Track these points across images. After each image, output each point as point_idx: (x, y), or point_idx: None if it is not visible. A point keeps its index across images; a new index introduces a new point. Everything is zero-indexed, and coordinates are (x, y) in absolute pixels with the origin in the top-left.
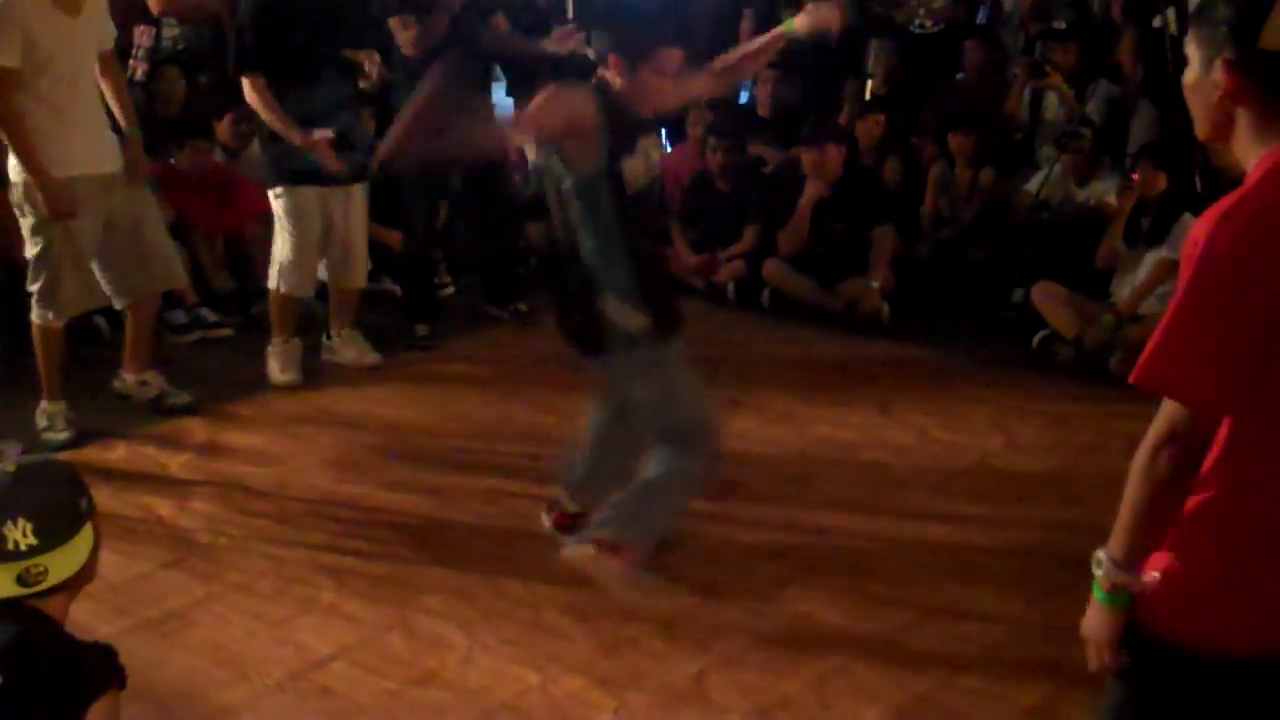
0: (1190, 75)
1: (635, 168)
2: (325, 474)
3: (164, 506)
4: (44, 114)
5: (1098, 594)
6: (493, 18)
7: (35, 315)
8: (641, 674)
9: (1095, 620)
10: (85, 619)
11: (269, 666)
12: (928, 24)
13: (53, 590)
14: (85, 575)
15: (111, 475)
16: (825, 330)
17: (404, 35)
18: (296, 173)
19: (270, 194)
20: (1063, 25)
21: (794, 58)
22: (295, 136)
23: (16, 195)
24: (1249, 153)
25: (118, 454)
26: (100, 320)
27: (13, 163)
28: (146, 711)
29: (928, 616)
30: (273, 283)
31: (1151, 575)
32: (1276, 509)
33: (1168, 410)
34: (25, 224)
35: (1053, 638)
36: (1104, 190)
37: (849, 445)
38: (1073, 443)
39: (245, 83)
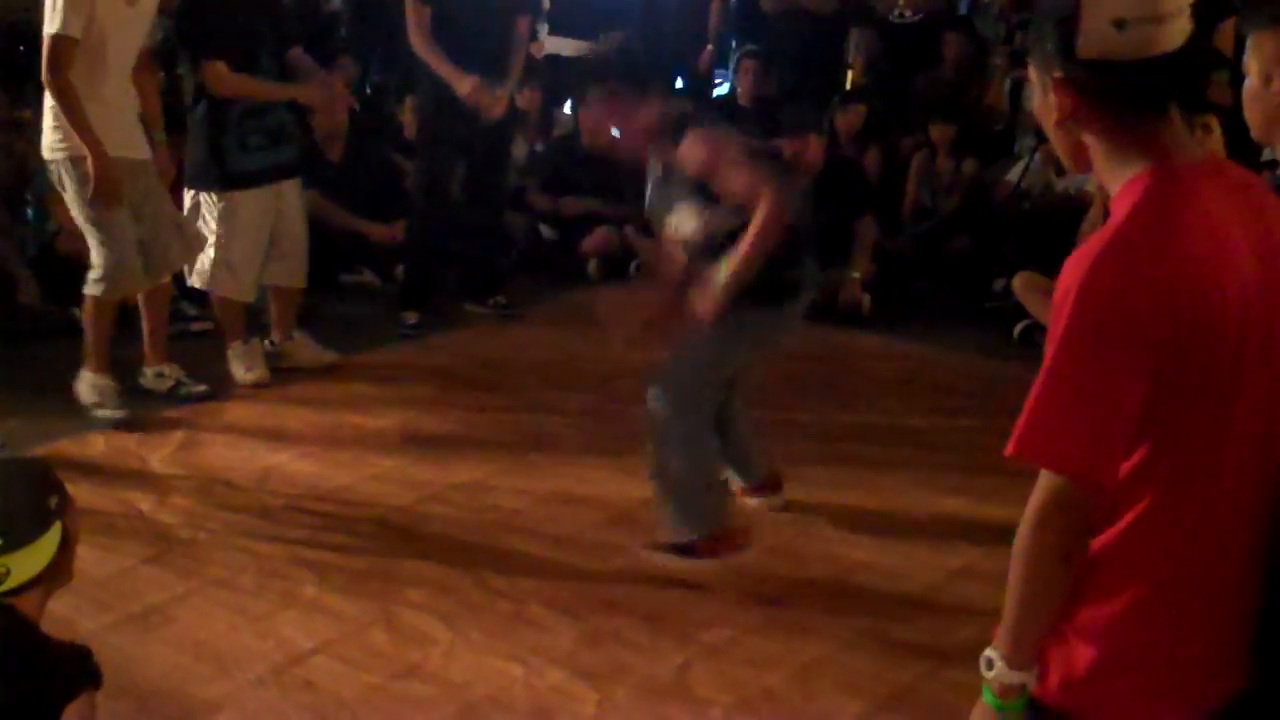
0: (1037, 104)
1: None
2: (306, 468)
3: (144, 501)
4: (91, 94)
5: (987, 697)
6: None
7: (90, 288)
8: (625, 667)
9: None
10: (66, 614)
11: (250, 661)
12: (908, 14)
13: (21, 589)
14: (57, 574)
15: (91, 470)
16: (807, 321)
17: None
18: (244, 175)
19: (203, 196)
20: None
21: (775, 47)
22: (292, 92)
23: (57, 171)
24: (1110, 179)
25: (97, 449)
26: (77, 311)
27: (52, 139)
28: (128, 707)
29: (912, 607)
30: (213, 285)
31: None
32: (1157, 565)
33: (1048, 481)
34: (70, 200)
35: None
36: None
37: (830, 437)
38: None
39: (215, 71)
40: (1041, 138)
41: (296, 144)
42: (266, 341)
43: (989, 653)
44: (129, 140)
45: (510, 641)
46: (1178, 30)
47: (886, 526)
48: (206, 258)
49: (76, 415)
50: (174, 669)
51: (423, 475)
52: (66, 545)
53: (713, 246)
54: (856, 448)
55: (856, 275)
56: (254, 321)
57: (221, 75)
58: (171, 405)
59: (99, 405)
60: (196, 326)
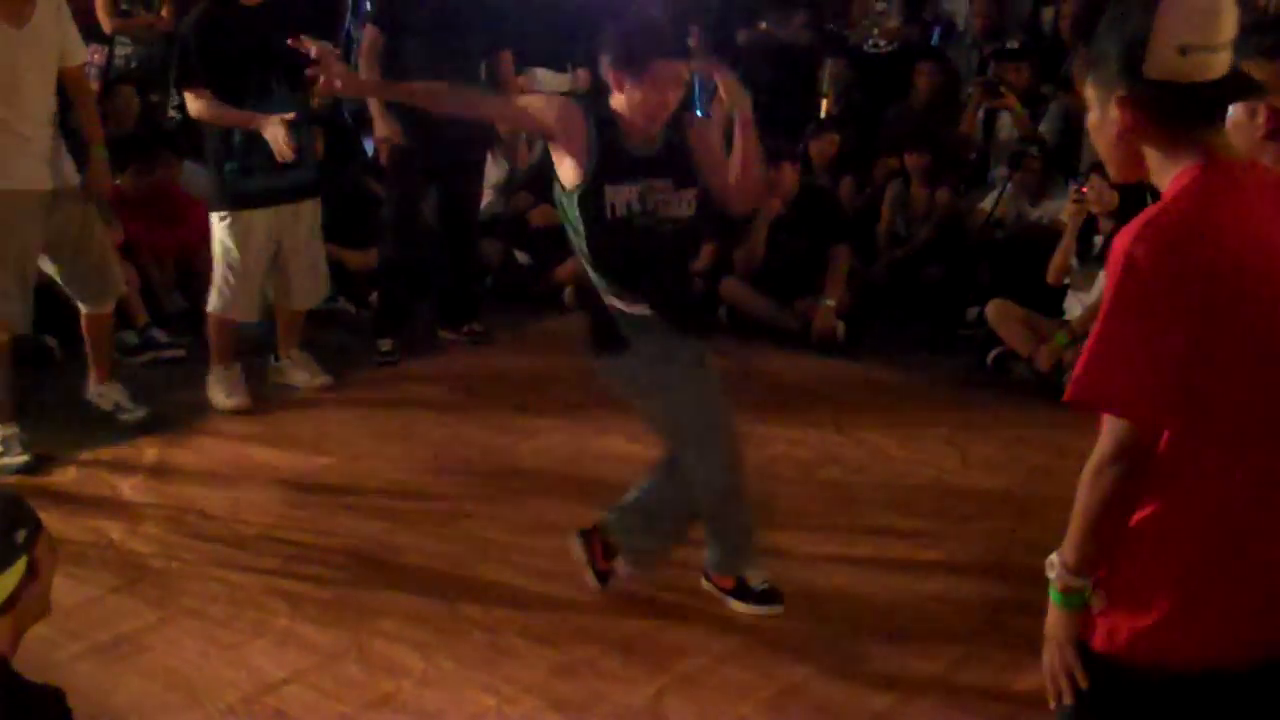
0: (1092, 119)
1: (625, 198)
2: (278, 496)
3: (115, 530)
4: (2, 127)
5: (1053, 595)
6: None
7: None
8: (599, 695)
9: (1053, 621)
10: (36, 645)
11: (222, 690)
12: (881, 44)
13: None
14: (25, 607)
15: (62, 498)
16: (782, 348)
17: None
18: (245, 195)
19: (213, 216)
20: (1015, 45)
21: (748, 77)
22: (260, 125)
23: None
24: (1163, 177)
25: (68, 476)
26: (52, 340)
27: None
28: None
29: (885, 635)
30: (213, 307)
31: (1099, 595)
32: (1216, 523)
33: (1112, 427)
34: None
35: (1010, 654)
36: (1056, 209)
37: (805, 463)
38: (1027, 460)
39: (189, 97)
40: (1015, 166)
41: (309, 168)
42: (271, 357)
43: (1053, 557)
44: (33, 171)
45: (484, 671)
46: (1225, 60)
47: (861, 553)
48: (216, 280)
49: (51, 442)
50: (145, 698)
51: (396, 503)
52: (34, 578)
53: None
54: (830, 474)
55: (831, 304)
56: (263, 343)
57: (199, 103)
58: (104, 440)
59: (3, 454)
60: (169, 354)
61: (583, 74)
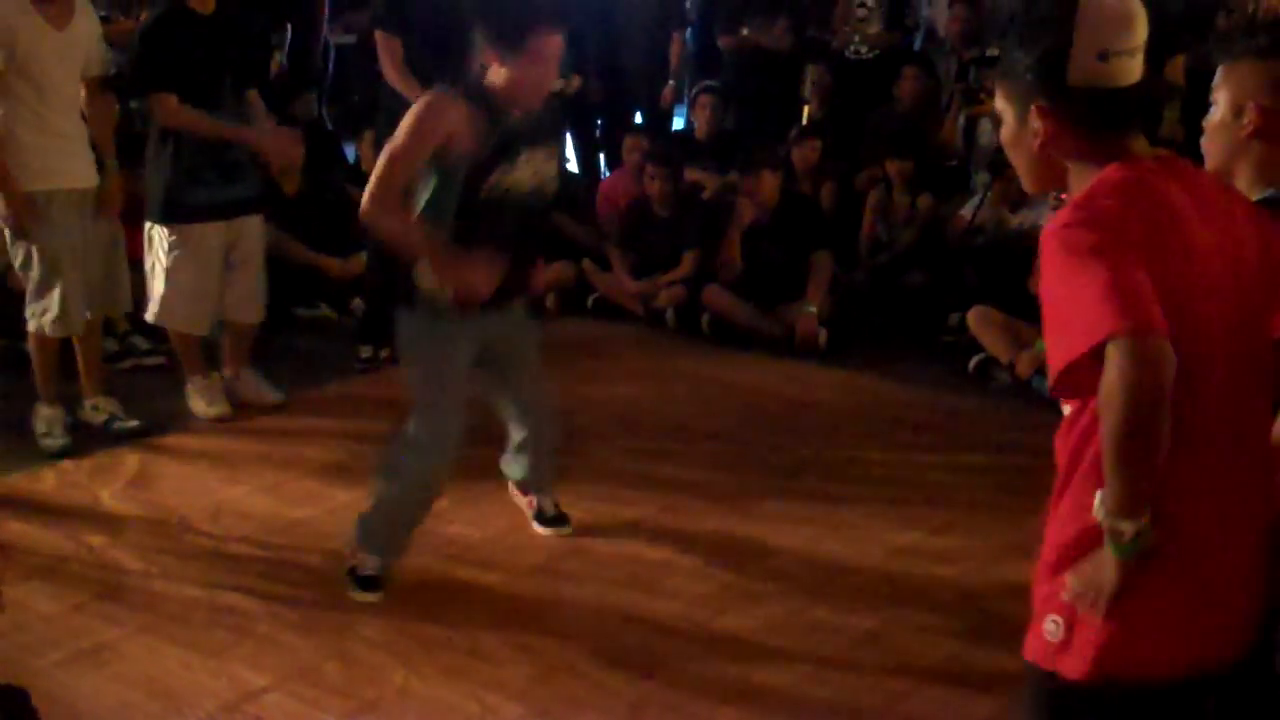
0: (1006, 131)
1: (518, 179)
2: (258, 503)
3: (95, 537)
4: (23, 123)
5: (1108, 546)
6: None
7: (30, 324)
8: (579, 702)
9: (1107, 570)
10: (14, 652)
11: (203, 698)
12: (863, 50)
13: None
14: None
15: (41, 505)
16: (764, 356)
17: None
18: (194, 208)
19: (156, 227)
20: (995, 52)
21: (731, 83)
22: (244, 135)
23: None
24: (1079, 185)
25: (48, 484)
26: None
27: None
28: None
29: (869, 639)
30: (154, 318)
31: (1052, 621)
32: (1174, 525)
33: (1111, 352)
34: (7, 235)
35: (997, 657)
36: (1037, 216)
37: (787, 470)
38: (1011, 464)
39: (157, 102)
40: (996, 173)
41: (254, 181)
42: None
43: (1098, 495)
44: (75, 170)
45: (465, 678)
46: (1139, 65)
47: (842, 561)
48: (157, 291)
49: (27, 450)
50: (125, 706)
51: None
52: None
53: None
54: (813, 481)
55: (813, 310)
56: (209, 356)
57: (170, 108)
58: (110, 441)
59: (45, 435)
60: (150, 361)
61: (575, 80)
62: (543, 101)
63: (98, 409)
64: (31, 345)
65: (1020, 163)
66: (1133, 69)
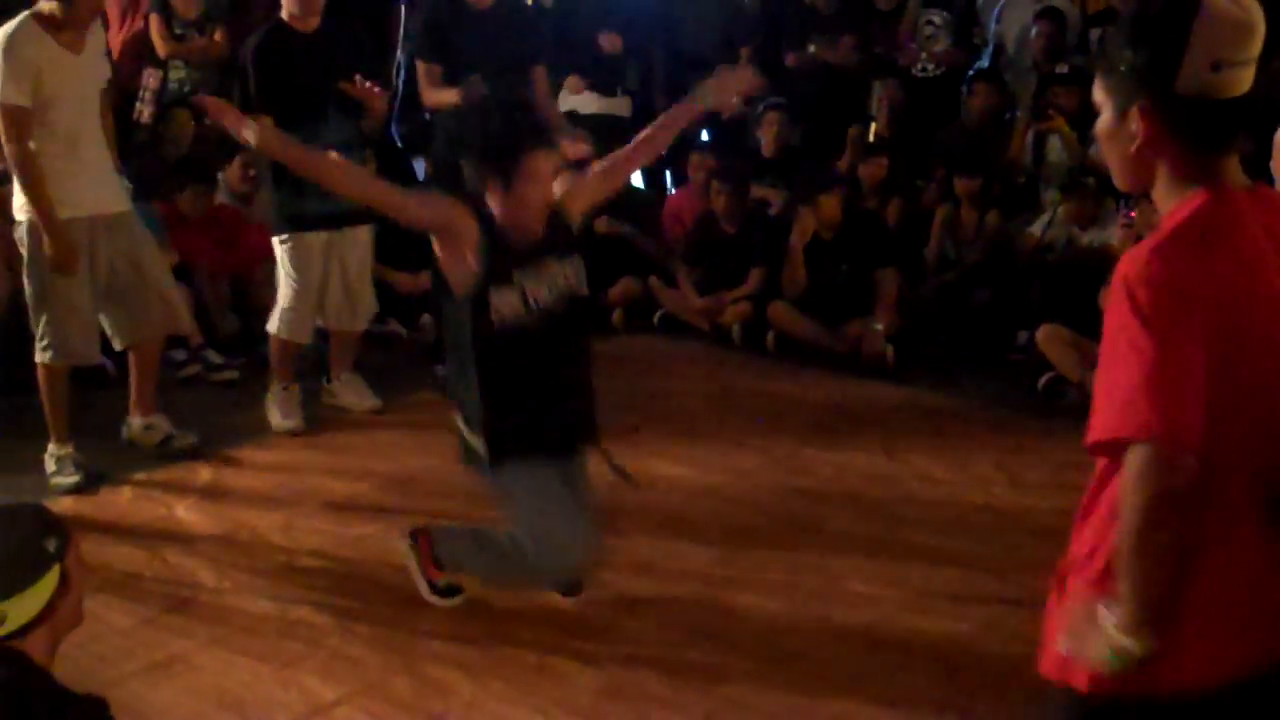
0: (1103, 124)
1: (511, 301)
2: (330, 518)
3: (169, 550)
4: (54, 153)
5: (1103, 651)
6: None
7: (38, 355)
8: (646, 718)
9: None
10: (90, 663)
11: (273, 711)
12: (930, 67)
13: (22, 631)
14: (60, 616)
15: (116, 519)
16: (830, 372)
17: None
18: (301, 218)
19: (275, 240)
20: (1065, 69)
21: (797, 99)
22: (320, 162)
23: (20, 232)
24: (1167, 201)
25: (124, 497)
26: (108, 362)
27: (19, 201)
28: None
29: (932, 659)
30: (272, 328)
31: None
32: (1225, 546)
33: (1132, 454)
34: (26, 262)
35: None
36: (1107, 234)
37: (853, 488)
38: (1077, 484)
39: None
40: (1066, 191)
41: None
42: (323, 379)
43: (1103, 607)
44: (103, 196)
45: (532, 693)
46: (1251, 75)
47: (910, 580)
48: (279, 298)
49: (105, 463)
50: (197, 717)
51: None
52: (67, 587)
53: None
54: (877, 499)
55: (879, 327)
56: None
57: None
58: (159, 461)
59: (55, 474)
60: (217, 376)
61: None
62: (543, 219)
63: (152, 428)
64: (40, 378)
65: (1113, 159)
66: (1244, 80)
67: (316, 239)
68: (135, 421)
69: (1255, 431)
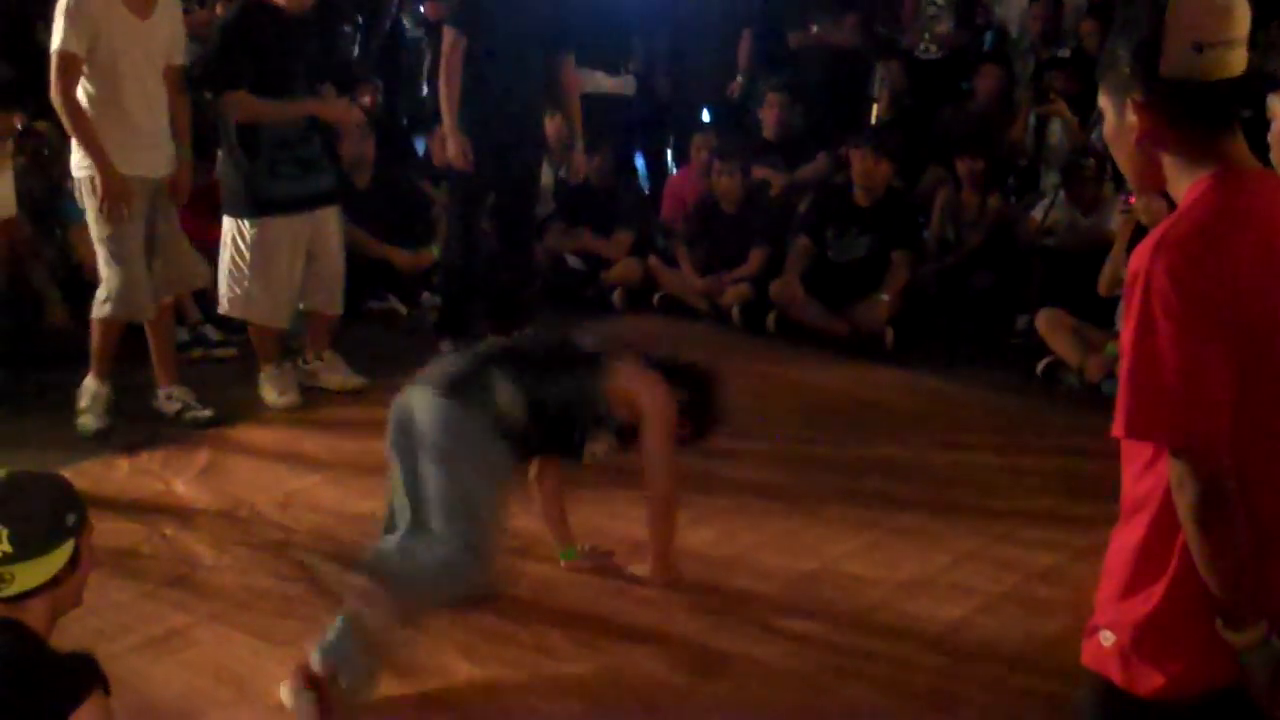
0: (1108, 128)
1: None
2: (329, 493)
3: (167, 525)
4: (105, 110)
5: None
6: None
7: (96, 311)
8: (647, 701)
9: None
10: (88, 637)
11: (271, 686)
12: (933, 49)
13: (22, 597)
14: (63, 591)
15: (115, 492)
16: (829, 355)
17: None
18: (273, 202)
19: (236, 224)
20: (1066, 53)
21: (799, 80)
22: (315, 108)
23: (81, 189)
24: (1180, 188)
25: (121, 472)
26: None
27: (76, 158)
28: None
29: (930, 645)
30: (241, 313)
31: (1105, 636)
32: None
33: (1180, 464)
34: (89, 217)
35: (1056, 668)
36: (1108, 218)
37: (851, 471)
38: (1077, 470)
39: (230, 100)
40: (1067, 175)
41: (331, 174)
42: (299, 360)
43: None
44: (152, 160)
45: (529, 673)
46: (1242, 56)
47: (905, 565)
48: (239, 285)
49: (104, 437)
50: (195, 692)
51: None
52: (77, 564)
53: None
54: (875, 483)
55: (885, 298)
56: (287, 347)
57: (240, 102)
58: (182, 430)
59: (85, 411)
60: (220, 352)
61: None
62: None
63: (172, 398)
64: (94, 329)
65: (1121, 159)
66: (1232, 62)
67: (288, 223)
68: (160, 391)
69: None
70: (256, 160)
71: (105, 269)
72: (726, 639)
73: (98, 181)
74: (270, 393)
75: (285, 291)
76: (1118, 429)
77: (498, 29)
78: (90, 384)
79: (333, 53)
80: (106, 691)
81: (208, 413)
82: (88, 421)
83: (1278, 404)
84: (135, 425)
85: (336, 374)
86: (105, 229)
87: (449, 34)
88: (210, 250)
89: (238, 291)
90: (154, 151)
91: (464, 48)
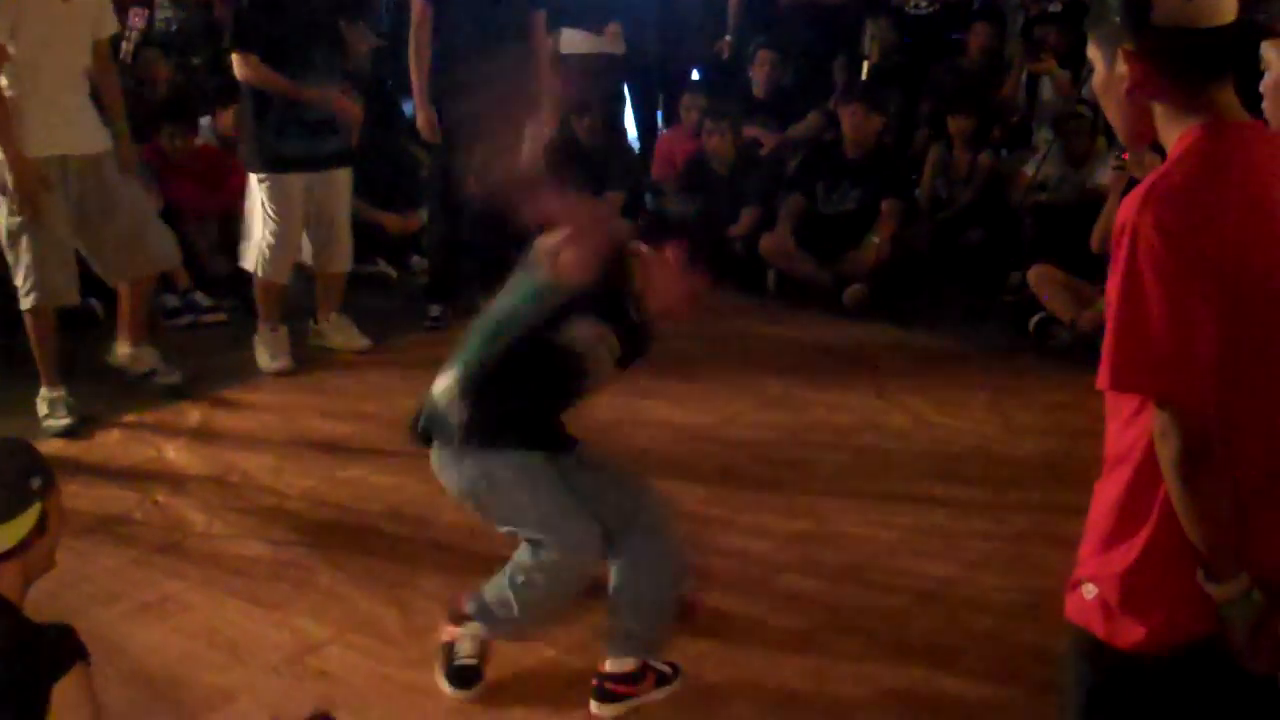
0: (1098, 79)
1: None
2: (320, 458)
3: (160, 491)
4: (28, 92)
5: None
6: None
7: (22, 302)
8: None
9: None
10: (81, 602)
11: (265, 650)
12: (923, 5)
13: None
14: (33, 555)
15: (106, 460)
16: (822, 314)
17: None
18: (281, 159)
19: (253, 178)
20: (1057, 8)
21: (789, 39)
22: (307, 93)
23: None
24: (1168, 135)
25: (112, 438)
26: (95, 302)
27: None
28: (142, 694)
29: (925, 600)
30: (250, 266)
31: (1087, 589)
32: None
33: (1163, 416)
34: (1, 205)
35: (1047, 622)
36: (1100, 172)
37: (845, 429)
38: (1069, 425)
39: (237, 59)
40: (1058, 130)
41: (341, 135)
42: (310, 321)
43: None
44: (77, 137)
45: (516, 645)
46: (1232, 4)
47: (901, 521)
48: (251, 236)
49: (96, 406)
50: (187, 657)
51: None
52: (44, 528)
53: None
54: (869, 440)
55: (876, 240)
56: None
57: (246, 64)
58: (148, 402)
59: (47, 417)
60: (210, 318)
61: (613, 28)
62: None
63: (138, 359)
64: (27, 325)
65: (1111, 112)
66: (1222, 8)
67: (297, 180)
68: (122, 349)
69: (1269, 384)
70: (265, 118)
71: (22, 256)
72: (721, 597)
73: (7, 174)
74: (264, 356)
75: (288, 248)
76: (1102, 381)
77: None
78: (44, 393)
79: (333, 22)
80: (87, 662)
81: (176, 377)
82: (53, 424)
83: (1260, 356)
84: (127, 393)
85: (341, 335)
86: (17, 218)
87: (416, 6)
88: (209, 221)
89: (248, 243)
90: (76, 128)
91: (431, 17)
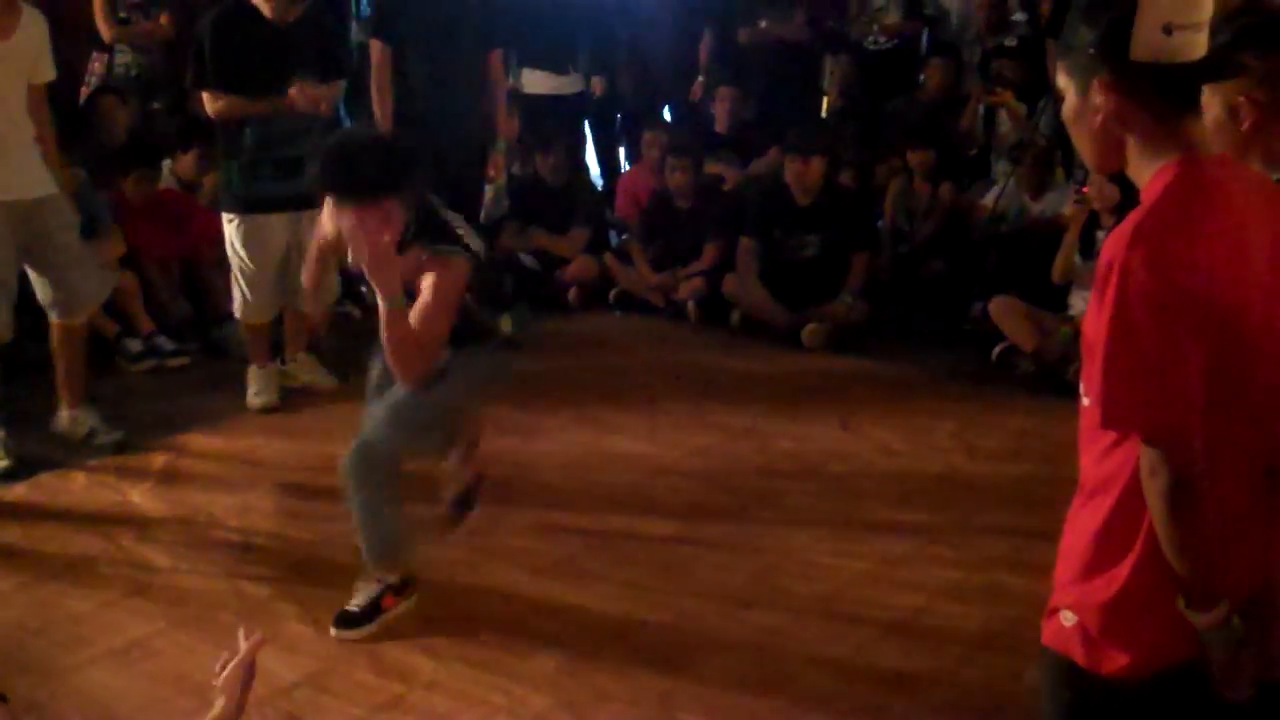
0: (1068, 108)
1: None
2: (288, 499)
3: (125, 536)
4: None
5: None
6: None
7: None
8: (608, 694)
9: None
10: (48, 649)
11: None
12: (882, 40)
13: None
14: None
15: (72, 504)
16: (786, 346)
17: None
18: (255, 199)
19: (225, 220)
20: (1013, 42)
21: (750, 75)
22: (275, 104)
23: None
24: (1141, 173)
25: (77, 484)
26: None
27: None
28: None
29: (891, 630)
30: (238, 312)
31: (1066, 616)
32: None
33: (1153, 453)
34: None
35: (1016, 649)
36: (1058, 202)
37: (811, 460)
38: (1033, 452)
39: (206, 98)
40: (1016, 161)
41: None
42: (279, 360)
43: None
44: (13, 181)
45: (492, 670)
46: (1204, 40)
47: (868, 550)
48: (233, 281)
49: (58, 449)
50: (156, 703)
51: (407, 506)
52: None
53: None
54: (835, 470)
55: (848, 300)
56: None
57: (214, 100)
58: (103, 452)
59: None
60: (173, 362)
61: (593, 79)
62: None
63: (76, 421)
64: None
65: (1081, 141)
66: (1197, 44)
67: (271, 221)
68: (63, 414)
69: (1248, 419)
70: (238, 159)
71: None
72: (689, 632)
73: None
74: (251, 390)
75: (266, 289)
76: (1096, 420)
77: (419, 32)
78: None
79: (326, 55)
80: (6, 702)
81: (117, 435)
82: None
83: (1242, 391)
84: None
85: (310, 374)
86: None
87: (375, 47)
88: (172, 264)
89: (232, 287)
90: (20, 174)
91: (390, 57)
